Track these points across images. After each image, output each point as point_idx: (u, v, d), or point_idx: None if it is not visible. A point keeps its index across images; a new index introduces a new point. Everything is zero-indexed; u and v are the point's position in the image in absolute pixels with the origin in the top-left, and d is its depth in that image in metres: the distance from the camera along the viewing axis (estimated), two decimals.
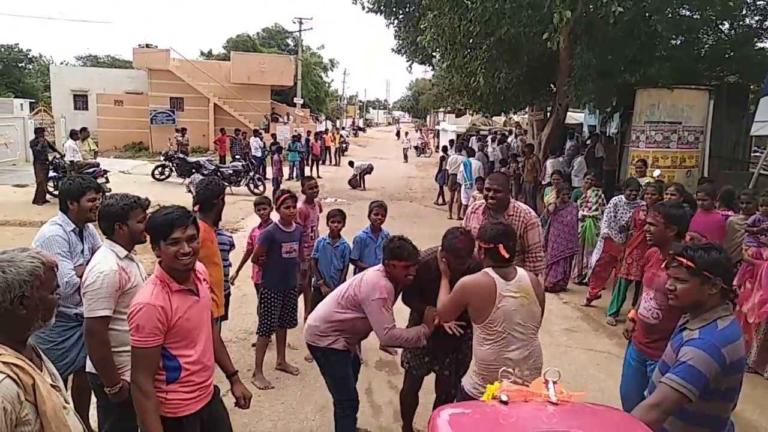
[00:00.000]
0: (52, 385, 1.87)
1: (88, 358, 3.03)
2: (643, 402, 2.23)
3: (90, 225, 3.66)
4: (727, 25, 13.32)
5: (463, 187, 13.11)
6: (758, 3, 12.95)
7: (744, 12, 12.99)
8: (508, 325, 2.96)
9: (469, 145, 18.15)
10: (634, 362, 3.61)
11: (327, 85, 50.74)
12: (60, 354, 3.35)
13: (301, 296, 5.72)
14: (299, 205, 5.75)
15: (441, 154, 17.83)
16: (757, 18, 13.32)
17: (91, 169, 12.85)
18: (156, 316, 2.50)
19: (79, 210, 3.49)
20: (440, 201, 15.78)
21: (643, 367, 3.49)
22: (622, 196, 7.21)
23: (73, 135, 13.44)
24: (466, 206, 12.38)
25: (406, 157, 28.96)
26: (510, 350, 2.97)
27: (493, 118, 24.78)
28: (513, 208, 4.16)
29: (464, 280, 3.10)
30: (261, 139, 19.75)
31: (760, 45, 13.59)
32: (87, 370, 3.09)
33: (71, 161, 12.71)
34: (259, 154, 18.89)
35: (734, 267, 2.47)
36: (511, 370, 1.84)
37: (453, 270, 3.35)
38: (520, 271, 3.10)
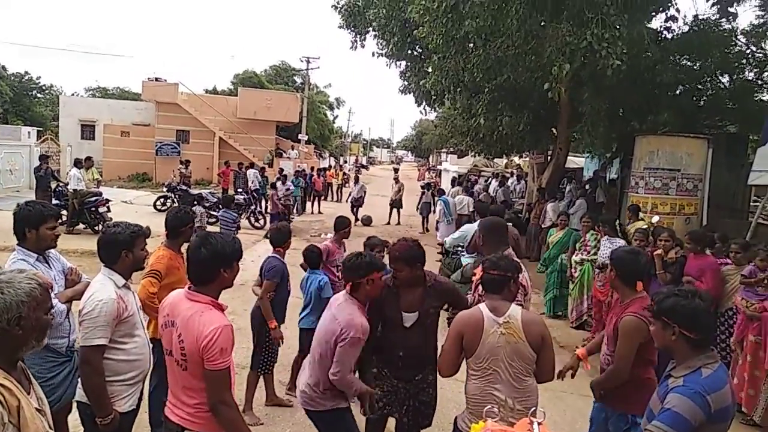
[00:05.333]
0: (37, 410, 1.87)
1: (78, 387, 3.01)
2: None
3: (52, 249, 3.54)
4: (726, 78, 13.61)
5: (441, 224, 13.35)
6: (756, 56, 13.25)
7: (743, 64, 13.29)
8: (493, 362, 2.95)
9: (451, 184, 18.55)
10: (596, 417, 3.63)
11: (332, 122, 51.42)
12: (48, 390, 3.27)
13: None
14: (327, 243, 5.89)
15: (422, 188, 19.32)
16: (755, 71, 13.61)
17: (94, 198, 12.96)
18: (230, 336, 2.58)
19: (38, 238, 3.34)
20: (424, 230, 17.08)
21: (603, 418, 3.56)
22: (605, 236, 7.61)
23: (78, 164, 13.57)
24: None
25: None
26: (496, 387, 2.95)
27: (495, 160, 25.03)
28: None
29: (457, 316, 3.19)
30: (260, 173, 19.91)
31: (759, 97, 13.85)
32: (77, 399, 3.06)
33: (74, 189, 12.79)
34: (256, 187, 18.92)
35: (710, 317, 2.40)
36: (496, 408, 1.82)
37: (393, 275, 3.51)
38: (514, 308, 3.04)
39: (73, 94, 46.69)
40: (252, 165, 21.48)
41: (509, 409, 2.87)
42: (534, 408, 2.10)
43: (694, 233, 6.47)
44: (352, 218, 17.14)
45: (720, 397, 2.25)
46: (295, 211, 19.73)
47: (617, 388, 3.42)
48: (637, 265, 3.52)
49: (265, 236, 5.71)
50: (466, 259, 7.45)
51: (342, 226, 6.08)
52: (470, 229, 7.58)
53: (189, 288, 2.70)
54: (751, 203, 12.33)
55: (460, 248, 7.90)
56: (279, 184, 16.64)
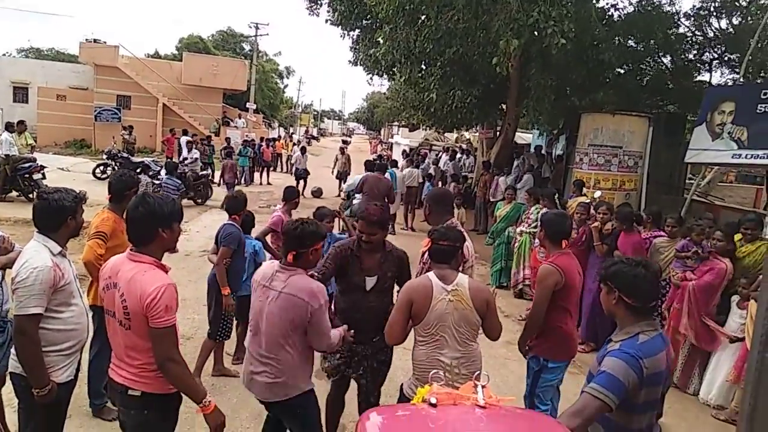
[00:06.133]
0: None
1: (12, 358, 2.90)
2: (566, 409, 2.29)
3: None
4: (668, 58, 14.08)
5: None
6: (697, 38, 13.75)
7: (684, 46, 13.77)
8: (441, 328, 3.03)
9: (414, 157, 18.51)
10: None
11: (282, 91, 50.43)
12: None
13: None
14: (279, 213, 5.78)
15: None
16: (695, 52, 14.14)
17: (27, 164, 12.32)
18: (175, 295, 2.61)
19: None
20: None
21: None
22: (545, 209, 7.83)
23: (9, 127, 12.82)
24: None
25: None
26: (442, 352, 3.04)
27: (446, 134, 25.22)
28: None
29: (406, 283, 3.25)
30: (207, 141, 19.31)
31: (698, 78, 14.43)
32: (11, 370, 2.95)
33: (6, 155, 12.09)
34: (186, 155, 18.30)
35: (650, 285, 2.53)
36: (441, 372, 1.87)
37: (365, 239, 3.57)
38: (461, 277, 3.15)
39: (4, 55, 43.89)
40: (185, 132, 20.74)
41: (454, 374, 2.97)
42: (478, 372, 2.17)
43: (620, 213, 6.74)
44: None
45: (654, 362, 2.36)
46: (243, 181, 19.38)
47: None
48: (563, 225, 3.94)
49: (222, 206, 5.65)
50: (356, 200, 10.59)
51: (291, 196, 6.02)
52: (357, 178, 11.66)
53: (131, 250, 2.69)
54: (687, 180, 12.92)
55: (353, 193, 10.88)
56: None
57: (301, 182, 18.19)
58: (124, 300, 2.57)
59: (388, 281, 3.71)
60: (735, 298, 5.51)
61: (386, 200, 9.50)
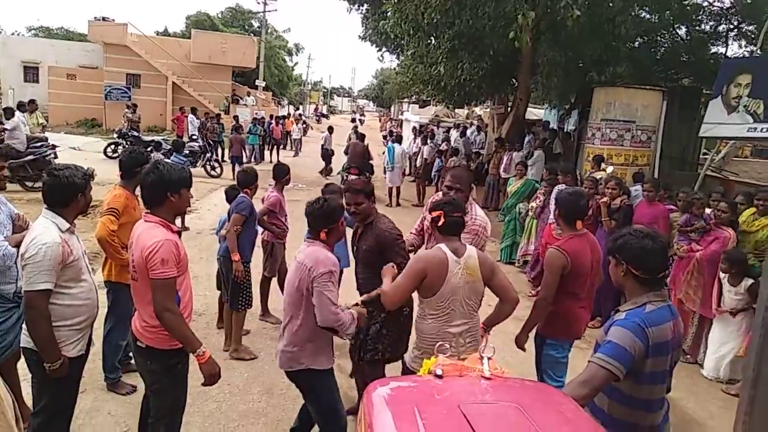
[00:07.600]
0: None
1: (24, 333, 2.94)
2: (573, 379, 2.29)
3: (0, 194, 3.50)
4: (684, 30, 13.78)
5: (387, 171, 13.62)
6: (713, 8, 13.42)
7: (700, 17, 13.46)
8: (453, 301, 3.03)
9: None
10: None
11: (291, 69, 50.06)
12: None
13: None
14: (274, 192, 5.74)
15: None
16: (711, 23, 13.82)
17: (39, 144, 12.36)
18: (173, 249, 2.78)
19: None
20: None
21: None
22: (563, 186, 7.59)
23: (21, 107, 12.87)
24: (391, 189, 13.53)
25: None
26: (452, 325, 3.05)
27: (456, 110, 24.94)
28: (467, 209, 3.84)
29: (420, 253, 3.22)
30: (216, 120, 19.33)
31: (714, 50, 14.12)
32: (22, 345, 2.99)
33: None
34: (196, 133, 18.33)
35: (658, 257, 2.49)
36: (448, 344, 1.88)
37: (352, 210, 3.64)
38: (470, 248, 3.12)
39: (13, 34, 43.91)
40: (194, 111, 20.80)
41: (459, 344, 2.99)
42: (481, 344, 2.17)
43: (655, 180, 6.68)
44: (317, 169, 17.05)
45: (660, 332, 2.35)
46: (253, 159, 19.40)
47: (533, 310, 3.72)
48: (577, 205, 3.78)
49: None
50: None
51: (282, 175, 5.84)
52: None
53: (145, 212, 2.94)
54: (702, 155, 12.72)
55: None
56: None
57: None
58: (132, 254, 2.85)
59: (362, 253, 3.69)
60: (723, 276, 5.44)
61: (364, 160, 12.37)
